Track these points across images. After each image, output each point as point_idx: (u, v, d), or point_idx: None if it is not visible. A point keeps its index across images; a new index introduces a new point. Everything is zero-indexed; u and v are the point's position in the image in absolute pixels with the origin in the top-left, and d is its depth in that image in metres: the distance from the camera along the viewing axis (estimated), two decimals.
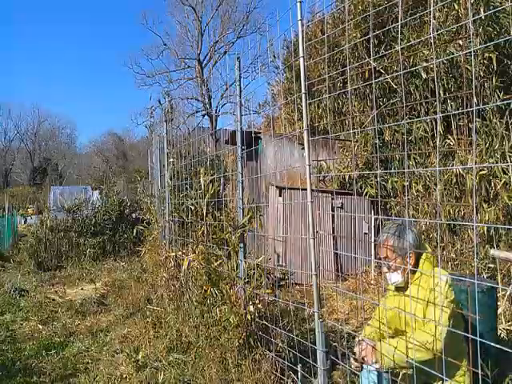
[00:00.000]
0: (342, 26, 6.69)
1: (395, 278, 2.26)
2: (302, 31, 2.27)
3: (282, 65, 10.36)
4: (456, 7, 5.24)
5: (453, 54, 5.06)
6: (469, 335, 1.57)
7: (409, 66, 5.59)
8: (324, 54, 6.60)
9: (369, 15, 6.10)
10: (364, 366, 2.55)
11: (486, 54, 4.97)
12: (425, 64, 5.45)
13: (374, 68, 6.46)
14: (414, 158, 6.07)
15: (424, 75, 5.59)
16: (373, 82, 6.10)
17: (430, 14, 4.68)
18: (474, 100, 5.04)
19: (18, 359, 3.84)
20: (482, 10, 4.87)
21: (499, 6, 4.73)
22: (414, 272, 2.24)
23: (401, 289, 2.28)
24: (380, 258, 2.34)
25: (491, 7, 4.84)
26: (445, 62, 5.31)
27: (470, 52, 4.53)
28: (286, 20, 2.32)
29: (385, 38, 6.45)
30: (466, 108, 5.14)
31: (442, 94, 5.50)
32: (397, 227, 2.29)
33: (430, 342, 1.96)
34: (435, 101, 5.43)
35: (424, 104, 5.87)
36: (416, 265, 2.23)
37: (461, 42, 5.15)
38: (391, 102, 6.33)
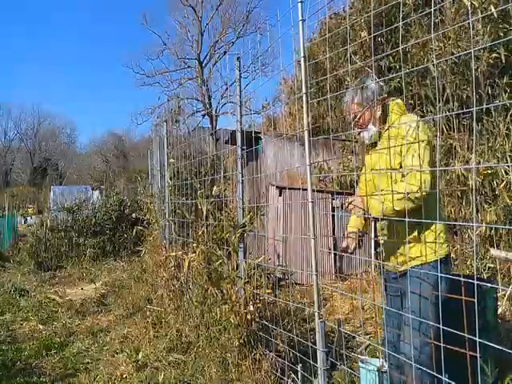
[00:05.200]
0: (350, 23, 6.65)
1: (370, 131, 2.23)
2: (303, 32, 2.27)
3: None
4: (466, 3, 5.18)
5: (459, 52, 5.02)
6: (468, 335, 1.57)
7: (419, 66, 5.55)
8: (334, 51, 6.58)
9: (378, 13, 6.10)
10: (363, 365, 2.56)
11: (494, 54, 4.96)
12: (430, 63, 5.43)
13: (380, 67, 6.44)
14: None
15: (434, 73, 5.55)
16: (374, 81, 6.08)
17: (432, 14, 4.66)
18: (474, 100, 5.03)
19: (17, 359, 3.83)
20: (492, 7, 4.81)
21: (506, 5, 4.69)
22: (384, 122, 2.22)
23: (376, 144, 2.27)
24: (355, 124, 2.30)
25: (500, 5, 4.80)
26: (450, 60, 5.27)
27: (472, 51, 4.51)
28: (288, 20, 2.32)
29: (391, 38, 6.42)
30: (471, 107, 5.12)
31: (449, 93, 5.46)
32: (358, 81, 2.27)
33: (414, 191, 1.98)
34: (439, 100, 5.42)
35: (432, 103, 5.84)
36: (386, 115, 2.22)
37: (471, 38, 5.10)
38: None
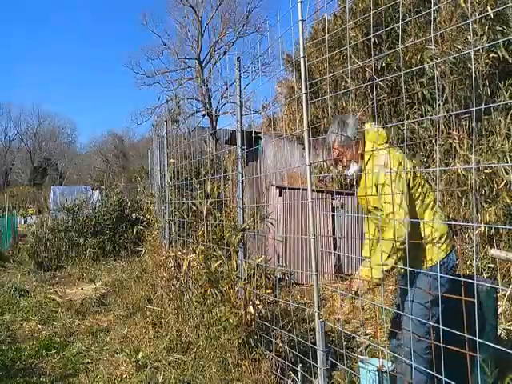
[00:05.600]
0: (342, 25, 6.67)
1: (352, 169, 2.34)
2: (303, 31, 2.27)
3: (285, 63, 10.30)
4: (462, 4, 5.19)
5: (457, 52, 5.02)
6: (469, 336, 1.57)
7: (415, 65, 5.55)
8: (328, 53, 6.60)
9: (369, 14, 6.11)
10: (363, 365, 2.56)
11: (492, 55, 4.95)
12: (426, 63, 5.43)
13: (376, 67, 6.44)
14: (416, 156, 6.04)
15: (430, 74, 5.55)
16: (374, 82, 6.08)
17: (431, 13, 4.66)
18: (474, 100, 5.03)
19: (18, 359, 3.83)
20: (489, 8, 4.81)
21: (505, 5, 4.68)
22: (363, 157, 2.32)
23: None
24: (336, 162, 2.41)
25: (499, 5, 4.79)
26: (449, 60, 5.26)
27: (472, 52, 4.51)
28: (288, 20, 2.32)
29: (388, 38, 6.42)
30: (470, 107, 5.11)
31: (447, 93, 5.46)
32: (336, 123, 2.35)
33: (398, 240, 2.06)
34: (438, 99, 5.41)
35: (430, 102, 5.84)
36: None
37: (470, 38, 5.10)
38: (394, 101, 6.31)
